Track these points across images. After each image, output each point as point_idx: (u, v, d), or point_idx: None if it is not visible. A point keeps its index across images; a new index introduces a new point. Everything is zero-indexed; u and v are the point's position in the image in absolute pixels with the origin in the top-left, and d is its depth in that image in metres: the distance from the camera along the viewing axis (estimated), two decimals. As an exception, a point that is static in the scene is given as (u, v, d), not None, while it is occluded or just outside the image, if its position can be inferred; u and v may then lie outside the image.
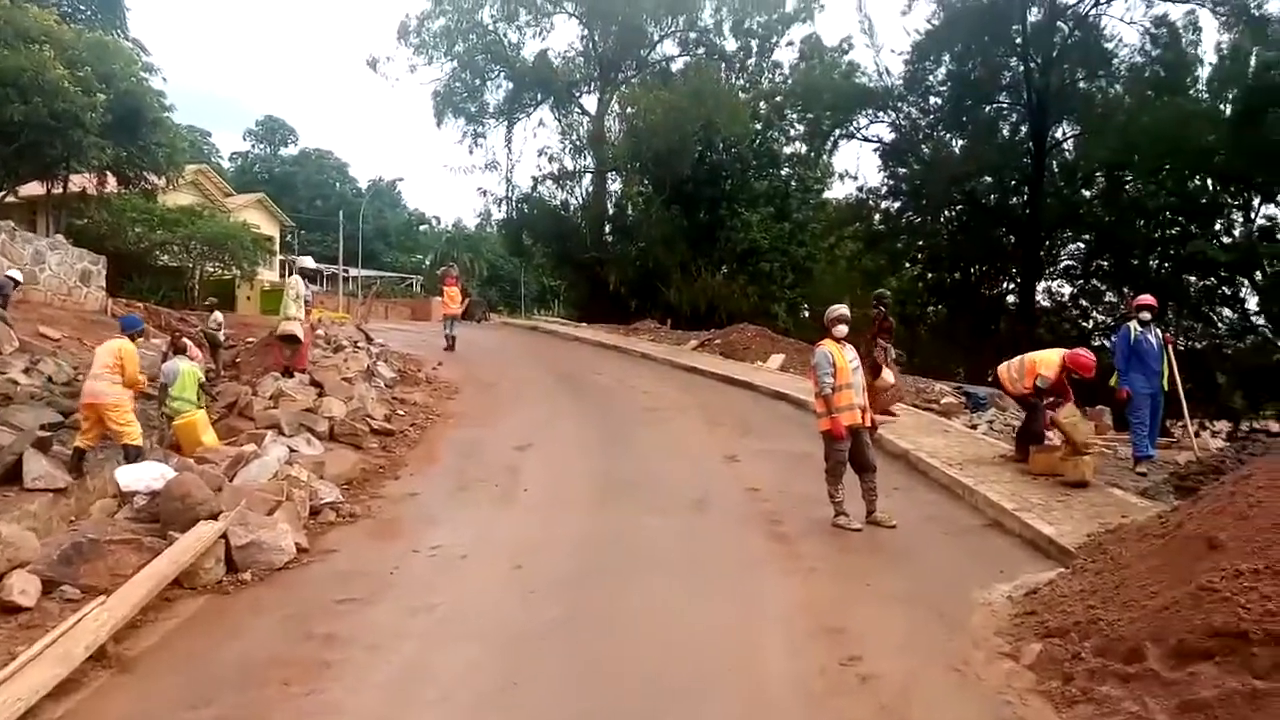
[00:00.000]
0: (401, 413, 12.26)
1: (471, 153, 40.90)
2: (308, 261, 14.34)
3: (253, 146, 77.41)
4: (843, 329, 7.69)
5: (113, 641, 5.14)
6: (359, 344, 15.74)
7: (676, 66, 38.12)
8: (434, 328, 24.59)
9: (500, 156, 40.48)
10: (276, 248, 48.89)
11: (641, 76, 38.23)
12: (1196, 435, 11.37)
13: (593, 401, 14.40)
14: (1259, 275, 27.99)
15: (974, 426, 12.13)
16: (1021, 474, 8.59)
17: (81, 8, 25.81)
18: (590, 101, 39.41)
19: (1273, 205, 27.96)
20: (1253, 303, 28.61)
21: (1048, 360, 9.10)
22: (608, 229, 39.08)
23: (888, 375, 12.23)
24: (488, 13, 38.59)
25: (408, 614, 5.73)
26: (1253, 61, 26.62)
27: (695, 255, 33.81)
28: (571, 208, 38.97)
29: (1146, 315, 9.38)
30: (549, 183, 38.68)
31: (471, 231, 73.69)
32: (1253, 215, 29.52)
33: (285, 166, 75.10)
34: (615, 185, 39.24)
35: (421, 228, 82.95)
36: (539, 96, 39.66)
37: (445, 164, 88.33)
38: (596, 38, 38.54)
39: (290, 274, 14.32)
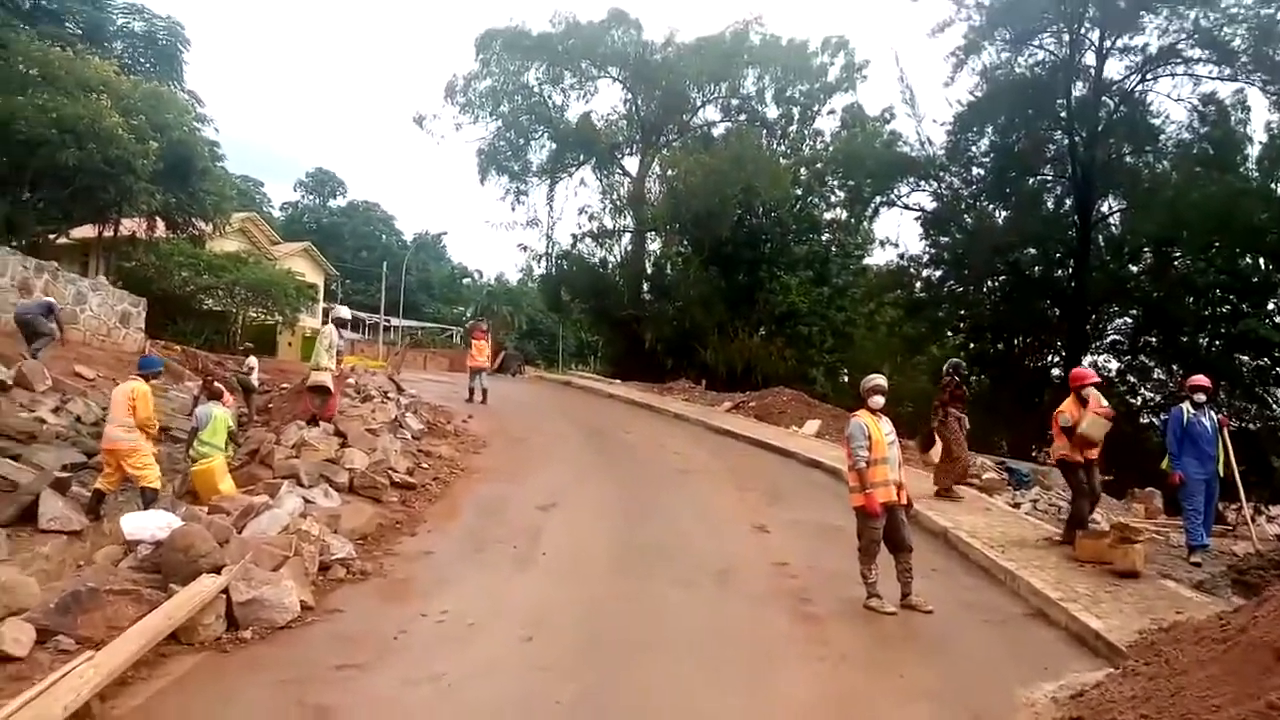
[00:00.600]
0: (426, 466, 12.04)
1: (514, 209, 41.46)
2: (343, 311, 14.33)
3: (303, 197, 79.23)
4: (879, 400, 7.39)
5: (98, 699, 4.90)
6: (389, 394, 15.64)
7: (718, 132, 38.49)
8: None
9: (541, 214, 41.02)
10: (320, 295, 49.85)
11: (683, 140, 38.65)
12: (1254, 523, 10.74)
13: (621, 461, 14.10)
14: (1315, 357, 27.09)
15: (1017, 505, 11.61)
16: (1067, 560, 8.10)
17: (142, 60, 26.72)
18: (631, 163, 39.91)
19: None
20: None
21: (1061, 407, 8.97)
22: (645, 288, 39.19)
23: (933, 452, 11.77)
24: (533, 75, 39.45)
25: (407, 686, 5.42)
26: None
27: (733, 316, 33.67)
28: (610, 265, 39.17)
29: (1201, 397, 8.91)
30: (588, 240, 38.99)
31: (513, 286, 74.58)
32: (1310, 295, 28.70)
33: (333, 217, 76.68)
34: (654, 245, 39.51)
35: (464, 281, 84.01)
36: (581, 157, 40.23)
37: (488, 220, 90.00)
38: (640, 102, 39.12)
39: (325, 322, 14.30)
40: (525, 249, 43.57)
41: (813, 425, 18.83)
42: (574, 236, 39.60)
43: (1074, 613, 6.48)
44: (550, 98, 40.44)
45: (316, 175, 79.58)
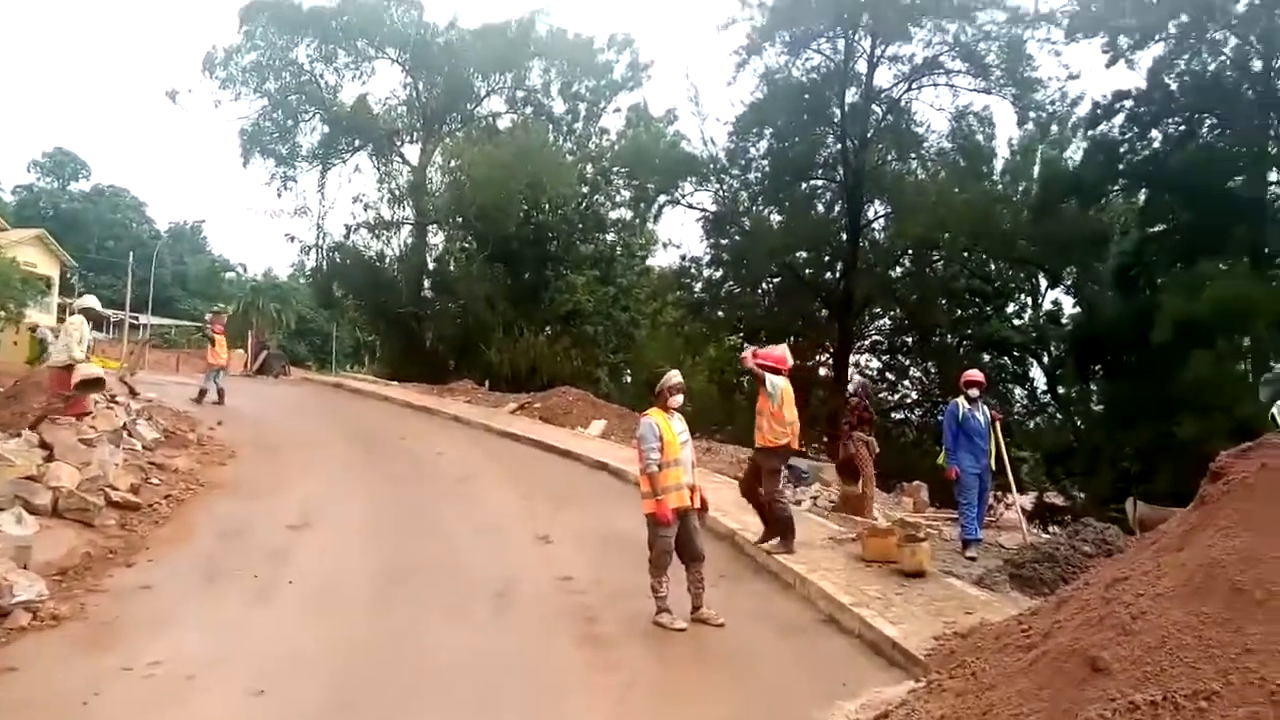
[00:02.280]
0: (156, 481, 10.34)
1: (280, 196, 38.30)
2: (91, 300, 12.34)
3: (38, 179, 70.50)
4: (679, 399, 6.91)
5: None
6: (116, 398, 13.50)
7: (504, 124, 37.50)
8: (235, 383, 22.28)
9: (312, 202, 38.19)
10: (55, 289, 44.02)
11: (467, 130, 37.32)
12: (1005, 509, 11.37)
13: (393, 470, 12.93)
14: (1045, 357, 30.14)
15: (798, 503, 11.60)
16: (854, 559, 7.99)
17: None
18: (412, 152, 38.00)
19: (1059, 291, 30.33)
20: (1041, 382, 30.70)
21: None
22: (426, 284, 37.48)
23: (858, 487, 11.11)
24: (303, 51, 36.68)
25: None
26: (1038, 157, 29.09)
27: (518, 315, 32.85)
28: (388, 259, 37.11)
29: (975, 392, 9.17)
30: (364, 232, 36.77)
31: (282, 281, 69.47)
32: (1040, 299, 31.97)
33: (74, 203, 68.95)
34: (436, 239, 37.89)
35: (227, 275, 77.51)
36: (356, 142, 37.88)
37: (250, 207, 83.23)
38: (421, 87, 37.36)
39: (71, 314, 12.28)
40: (293, 239, 40.47)
41: (598, 425, 18.40)
42: (348, 227, 37.12)
43: (867, 619, 6.26)
44: (323, 77, 37.78)
45: (55, 156, 71.06)
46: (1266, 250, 20.42)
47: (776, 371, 8.38)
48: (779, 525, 8.29)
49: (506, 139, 34.21)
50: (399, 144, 38.20)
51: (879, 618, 6.25)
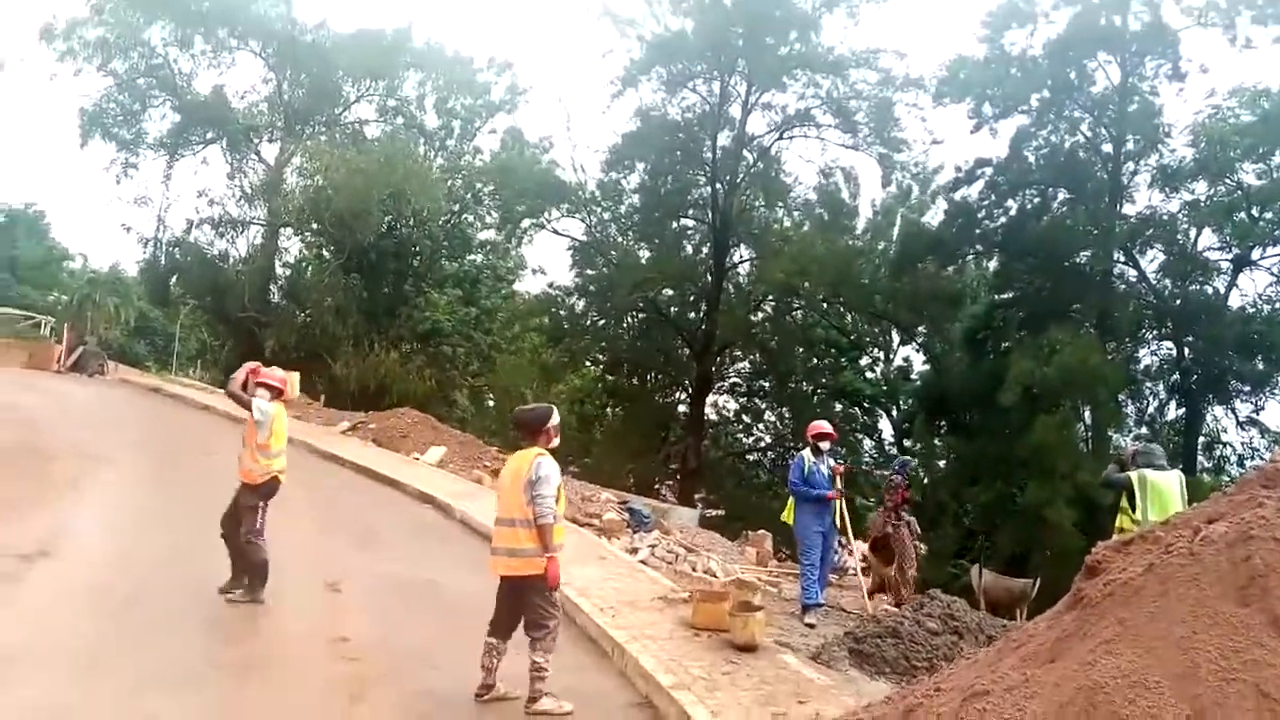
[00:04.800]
0: None
1: (119, 183, 35.12)
2: None
3: None
4: (556, 440, 5.78)
5: None
6: None
7: (372, 132, 35.91)
8: (43, 379, 20.28)
9: (155, 193, 35.27)
10: None
11: (332, 134, 35.33)
12: (848, 557, 10.80)
13: (179, 492, 11.27)
14: (894, 411, 30.71)
15: (634, 550, 10.69)
16: (684, 626, 7.07)
17: None
18: (270, 150, 35.70)
19: (910, 348, 31.03)
20: (889, 434, 31.26)
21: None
22: (274, 289, 35.12)
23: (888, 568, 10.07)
24: (157, 33, 33.92)
25: None
26: (899, 218, 29.87)
27: (371, 329, 31.14)
28: (232, 259, 34.56)
29: (825, 445, 8.52)
30: (206, 228, 34.13)
31: (128, 275, 64.18)
32: (892, 355, 32.67)
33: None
34: (290, 244, 35.68)
35: (66, 264, 71.06)
36: (210, 134, 35.25)
37: (88, 193, 76.95)
38: (285, 85, 35.21)
39: None
40: (129, 230, 37.31)
41: (436, 452, 17.01)
42: (190, 222, 34.38)
43: (686, 705, 5.32)
44: (177, 62, 35.00)
45: None
46: (1111, 322, 21.22)
47: (278, 394, 7.41)
48: (251, 570, 7.17)
49: (373, 146, 32.63)
50: (256, 141, 35.81)
51: (699, 706, 5.32)
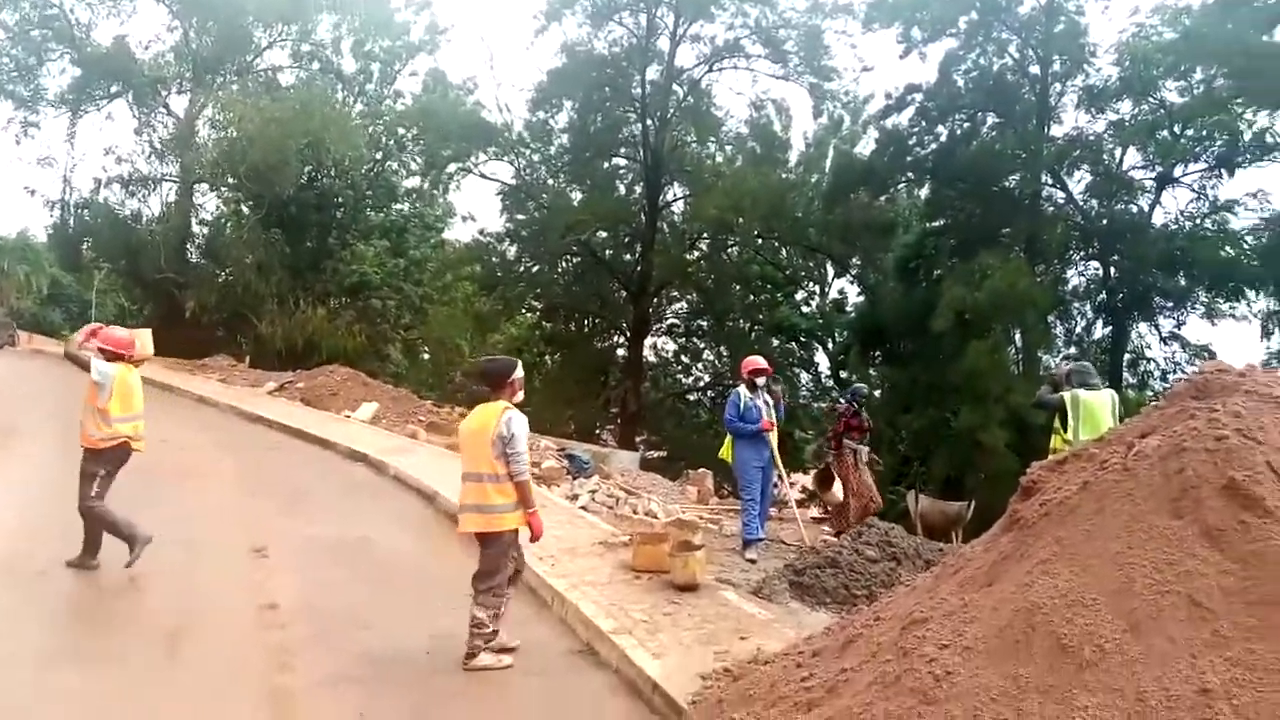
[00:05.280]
0: None
1: (19, 143, 33.10)
2: None
3: None
4: (520, 394, 5.64)
5: None
6: None
7: (286, 80, 34.23)
8: None
9: (59, 152, 33.41)
10: None
11: (244, 83, 33.65)
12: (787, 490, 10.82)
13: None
14: (830, 343, 30.96)
15: (574, 497, 10.55)
16: (623, 569, 6.97)
17: None
18: (180, 103, 33.86)
19: (844, 280, 31.21)
20: (825, 367, 31.57)
21: None
22: (191, 248, 33.74)
23: (837, 489, 9.90)
24: (50, -19, 31.71)
25: None
26: (830, 150, 29.72)
27: (296, 285, 30.18)
28: (145, 219, 33.04)
29: (761, 380, 8.41)
30: (116, 187, 32.49)
31: (38, 241, 61.07)
32: (827, 288, 32.84)
33: None
34: (205, 200, 34.20)
35: (-31, 232, 67.25)
36: (114, 88, 33.29)
37: (-10, 154, 72.67)
38: (191, 33, 33.31)
39: None
40: (34, 193, 35.39)
41: (368, 409, 16.59)
42: (97, 181, 32.69)
43: (627, 650, 5.22)
44: (73, 12, 32.80)
45: None
46: (1039, 244, 21.49)
47: (118, 357, 7.09)
48: (95, 535, 6.85)
49: (288, 94, 31.20)
50: (164, 93, 33.91)
51: (640, 649, 5.22)
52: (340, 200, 32.67)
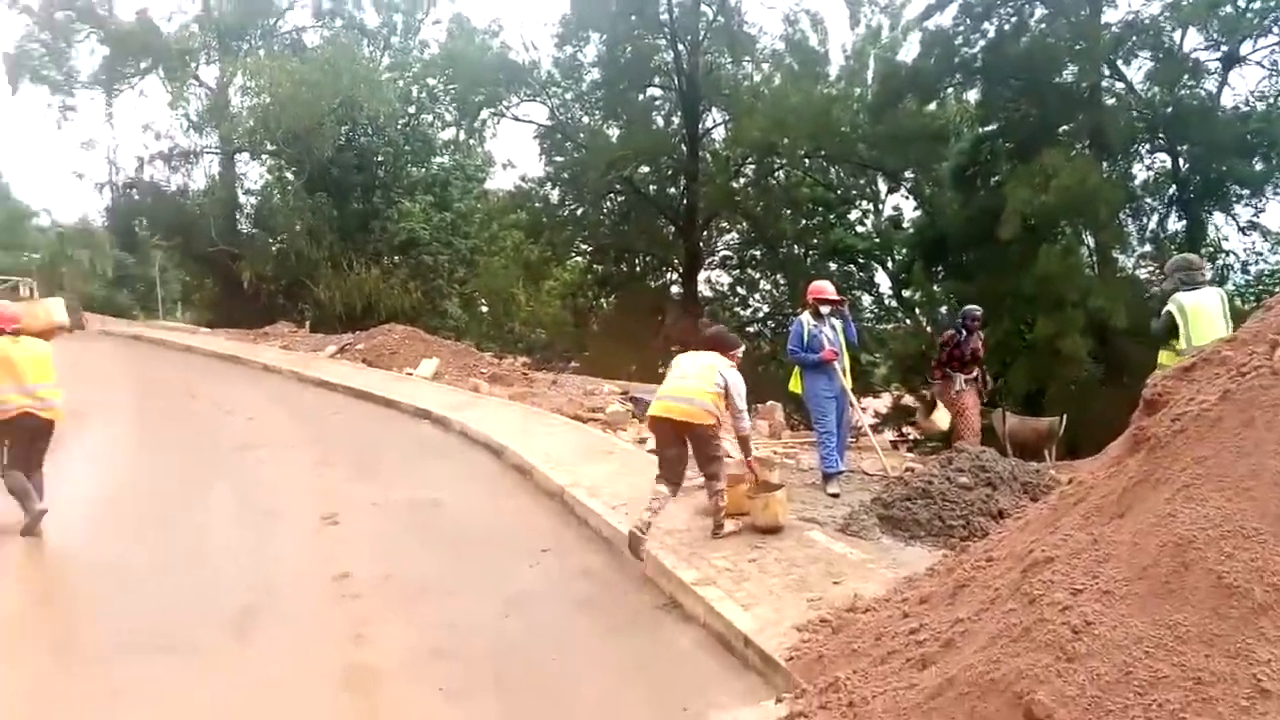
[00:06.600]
0: None
1: (60, 128, 33.59)
2: None
3: None
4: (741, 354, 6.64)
5: None
6: None
7: (311, 40, 33.98)
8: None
9: (100, 134, 33.79)
10: None
11: (270, 47, 33.43)
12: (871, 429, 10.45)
13: (162, 438, 10.84)
14: (889, 263, 30.01)
15: (642, 441, 10.28)
16: (701, 514, 6.67)
17: None
18: (209, 73, 33.86)
19: (898, 195, 30.08)
20: (886, 287, 30.68)
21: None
22: (241, 218, 34.06)
23: (938, 417, 9.61)
24: (66, -41, 31.64)
25: None
26: (871, 59, 28.37)
27: (348, 247, 30.31)
28: (191, 193, 33.38)
29: (825, 308, 7.96)
30: (159, 163, 32.80)
31: (97, 227, 62.32)
32: (881, 205, 31.74)
33: None
34: (248, 169, 34.43)
35: (32, 222, 69.01)
36: (144, 64, 33.33)
37: (38, 146, 74.08)
38: (212, 1, 33.11)
39: None
40: (82, 177, 36.01)
41: (429, 365, 16.51)
42: (140, 160, 33.01)
43: (713, 602, 4.95)
44: (96, -10, 32.78)
45: None
46: (1103, 139, 20.28)
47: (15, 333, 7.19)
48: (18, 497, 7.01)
49: (315, 55, 30.96)
50: (193, 65, 33.87)
51: (727, 600, 4.95)
52: (380, 158, 32.61)
